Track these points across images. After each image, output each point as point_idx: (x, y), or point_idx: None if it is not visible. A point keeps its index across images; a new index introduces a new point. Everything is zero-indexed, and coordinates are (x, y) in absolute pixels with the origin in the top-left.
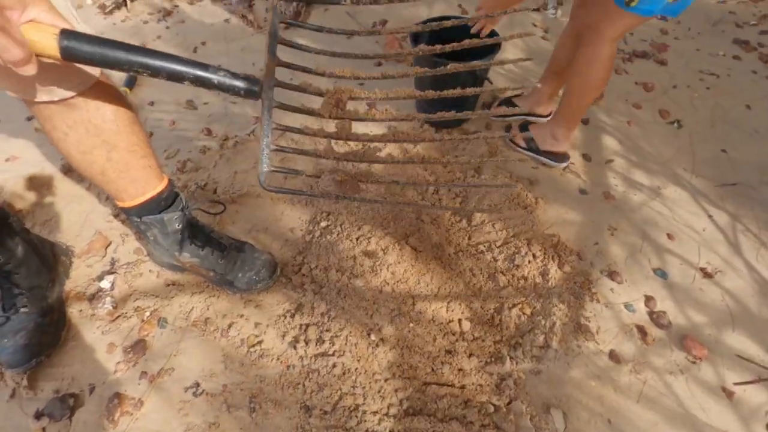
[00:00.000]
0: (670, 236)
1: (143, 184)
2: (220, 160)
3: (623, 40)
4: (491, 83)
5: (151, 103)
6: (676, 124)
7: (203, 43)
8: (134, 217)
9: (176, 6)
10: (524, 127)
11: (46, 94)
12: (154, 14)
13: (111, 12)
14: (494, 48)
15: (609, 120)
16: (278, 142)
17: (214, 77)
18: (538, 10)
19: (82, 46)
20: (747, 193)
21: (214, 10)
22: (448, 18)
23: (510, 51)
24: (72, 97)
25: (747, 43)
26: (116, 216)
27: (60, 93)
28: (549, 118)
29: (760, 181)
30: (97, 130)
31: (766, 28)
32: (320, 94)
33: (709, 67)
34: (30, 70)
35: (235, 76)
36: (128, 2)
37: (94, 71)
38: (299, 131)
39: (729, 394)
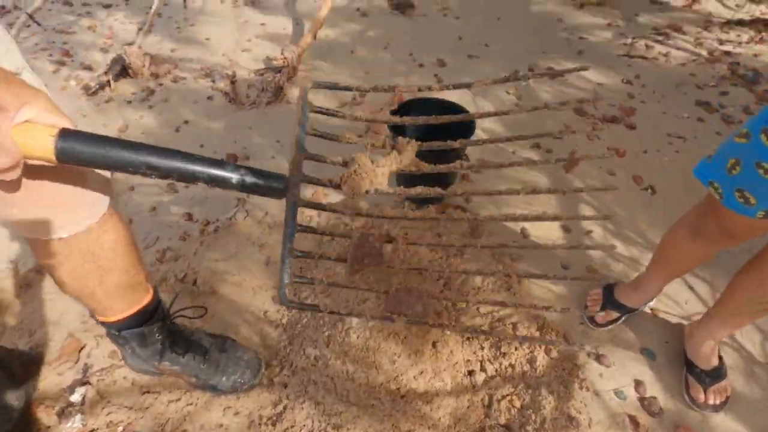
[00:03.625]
0: (653, 311)
1: (130, 300)
2: (201, 247)
3: (593, 106)
4: (468, 159)
5: (132, 189)
6: (649, 190)
7: (186, 122)
8: (113, 330)
9: (160, 84)
10: (610, 298)
11: (54, 232)
12: (138, 93)
13: (95, 93)
14: (470, 125)
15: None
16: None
17: (233, 176)
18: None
19: (81, 146)
20: (725, 262)
21: (196, 87)
22: (430, 100)
23: (486, 120)
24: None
25: (709, 104)
26: (92, 315)
27: (68, 230)
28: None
29: (739, 248)
30: (94, 257)
31: (725, 89)
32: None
33: (676, 130)
34: (12, 176)
35: (256, 173)
36: (112, 82)
37: (103, 204)
38: (319, 257)
39: None
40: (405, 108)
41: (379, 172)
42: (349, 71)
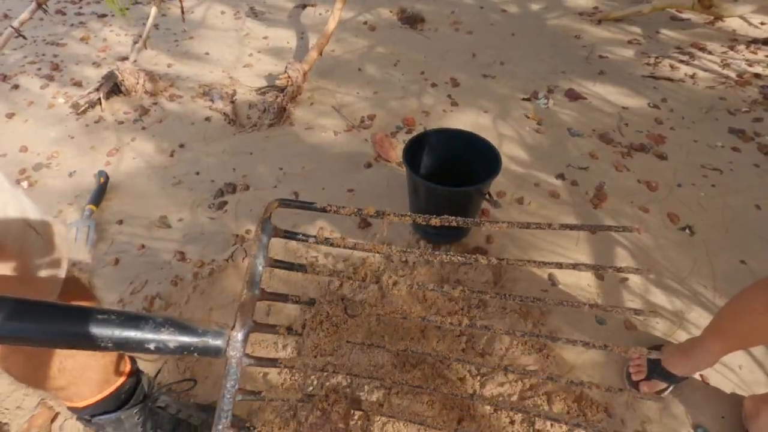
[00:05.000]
0: (703, 378)
1: (100, 383)
2: (194, 293)
3: (619, 132)
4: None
5: (120, 222)
6: (688, 231)
7: (181, 146)
8: (84, 416)
9: (155, 103)
10: (656, 366)
11: None
12: (131, 113)
13: (84, 112)
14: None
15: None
16: None
17: (150, 337)
18: (529, 99)
19: None
20: None
21: (194, 108)
22: (448, 131)
23: (506, 146)
24: None
25: (743, 132)
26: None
27: None
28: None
29: None
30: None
31: (759, 116)
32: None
33: (710, 161)
34: None
35: (182, 328)
36: (103, 101)
37: (59, 277)
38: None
39: None
40: (420, 140)
41: (352, 324)
42: (357, 89)
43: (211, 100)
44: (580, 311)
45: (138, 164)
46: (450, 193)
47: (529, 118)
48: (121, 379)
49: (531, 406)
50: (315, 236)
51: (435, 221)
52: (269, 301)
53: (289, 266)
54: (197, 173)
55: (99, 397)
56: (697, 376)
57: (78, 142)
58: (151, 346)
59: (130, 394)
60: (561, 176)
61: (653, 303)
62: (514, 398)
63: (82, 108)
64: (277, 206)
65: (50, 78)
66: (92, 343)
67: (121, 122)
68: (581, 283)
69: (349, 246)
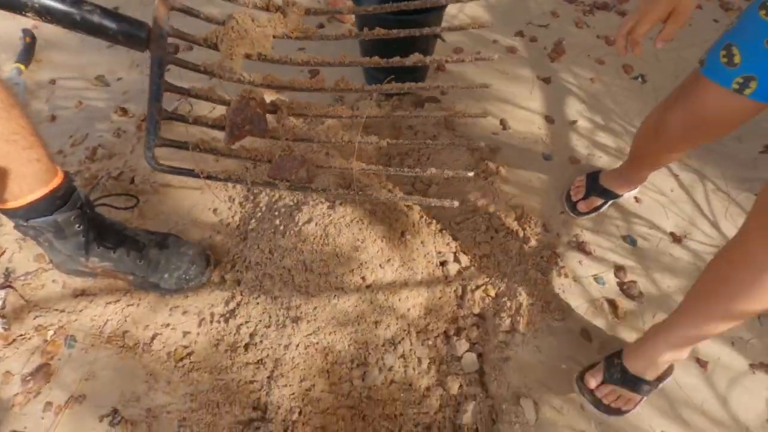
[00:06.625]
0: (637, 199)
1: (30, 180)
2: (138, 144)
3: None
4: (444, 41)
5: (53, 81)
6: (640, 79)
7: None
8: (20, 220)
9: None
10: (594, 185)
11: None
12: None
13: None
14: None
15: (572, 78)
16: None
17: (73, 11)
18: None
19: None
20: (714, 150)
21: None
22: None
23: (468, 7)
24: None
25: None
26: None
27: None
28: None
29: (729, 136)
30: None
31: None
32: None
33: None
34: None
35: (110, 15)
36: None
37: None
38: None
39: (703, 364)
40: None
41: (260, 33)
42: None
43: None
44: (530, 147)
45: None
46: (397, 24)
47: None
48: (55, 182)
49: (473, 223)
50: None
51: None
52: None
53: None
54: None
55: (31, 198)
56: (632, 199)
57: None
58: (77, 17)
59: (64, 199)
60: (520, 33)
61: (600, 142)
62: (458, 220)
63: None
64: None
65: None
66: (13, 3)
67: None
68: (531, 128)
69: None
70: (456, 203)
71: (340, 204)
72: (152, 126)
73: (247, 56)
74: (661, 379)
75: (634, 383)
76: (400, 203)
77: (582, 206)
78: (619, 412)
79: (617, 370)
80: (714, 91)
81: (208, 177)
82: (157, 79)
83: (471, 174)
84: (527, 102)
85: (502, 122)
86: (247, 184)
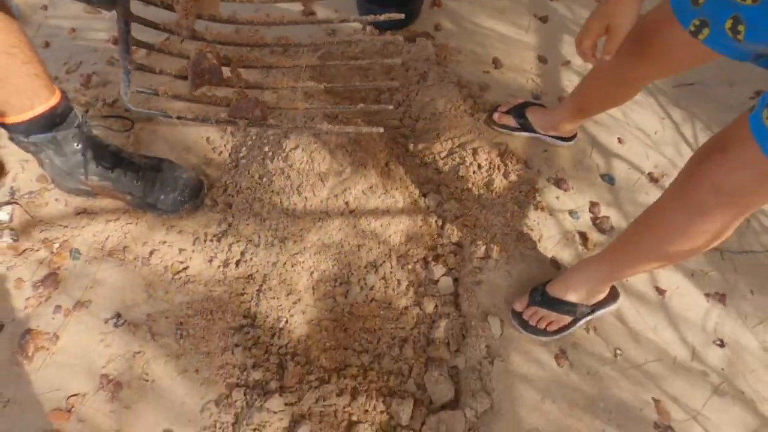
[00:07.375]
0: (620, 140)
1: (30, 95)
2: (133, 70)
3: None
4: None
5: (44, 7)
6: None
7: None
8: (20, 136)
9: None
10: (518, 111)
11: None
12: None
13: None
14: None
15: (569, 15)
16: None
17: None
18: None
19: None
20: (704, 93)
21: None
22: None
23: None
24: None
25: None
26: (13, 138)
27: None
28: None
29: (720, 80)
30: None
31: None
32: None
33: None
34: None
35: None
36: None
37: None
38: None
39: (661, 292)
40: None
41: None
42: None
43: None
44: (519, 86)
45: None
46: None
47: None
48: (54, 101)
49: (457, 157)
50: None
51: None
52: None
53: None
54: None
55: (31, 114)
56: (615, 140)
57: None
58: None
59: (63, 118)
60: None
61: None
62: (443, 154)
63: None
64: None
65: None
66: None
67: None
68: (524, 65)
69: None
70: (381, 129)
71: (326, 132)
72: (126, 75)
73: (199, 16)
74: (598, 306)
75: (552, 304)
76: (371, 133)
77: (496, 115)
78: (545, 332)
79: (539, 293)
80: (668, 29)
81: (179, 117)
82: (125, 35)
83: (390, 107)
84: (522, 41)
85: (495, 61)
86: (212, 123)
